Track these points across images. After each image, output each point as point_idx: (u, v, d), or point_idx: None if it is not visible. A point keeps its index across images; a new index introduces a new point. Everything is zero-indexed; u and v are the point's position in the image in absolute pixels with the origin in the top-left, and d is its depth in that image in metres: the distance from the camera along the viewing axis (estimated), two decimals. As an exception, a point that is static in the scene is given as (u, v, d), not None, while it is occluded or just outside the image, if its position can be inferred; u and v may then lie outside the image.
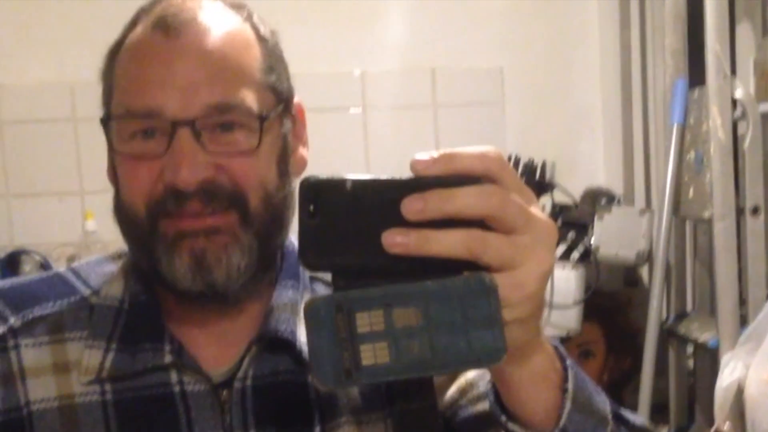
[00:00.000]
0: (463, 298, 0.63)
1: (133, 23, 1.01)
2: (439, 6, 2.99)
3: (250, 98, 0.96)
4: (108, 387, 0.98)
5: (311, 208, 0.65)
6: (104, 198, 2.83)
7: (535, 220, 0.67)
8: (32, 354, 1.00)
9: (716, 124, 2.25)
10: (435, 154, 0.65)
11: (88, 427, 0.97)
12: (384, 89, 3.00)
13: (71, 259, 2.76)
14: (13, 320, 1.02)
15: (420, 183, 0.65)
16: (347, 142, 2.94)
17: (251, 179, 0.96)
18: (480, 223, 0.65)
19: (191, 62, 0.95)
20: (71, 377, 0.99)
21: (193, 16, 0.97)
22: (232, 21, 1.00)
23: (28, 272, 2.67)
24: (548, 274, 0.67)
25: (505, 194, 0.65)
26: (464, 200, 0.64)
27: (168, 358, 0.98)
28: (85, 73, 2.73)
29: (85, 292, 1.05)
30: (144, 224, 0.96)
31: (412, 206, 0.64)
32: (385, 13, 2.99)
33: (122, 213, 0.99)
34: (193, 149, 0.93)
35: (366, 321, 0.63)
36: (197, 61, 0.95)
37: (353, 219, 0.65)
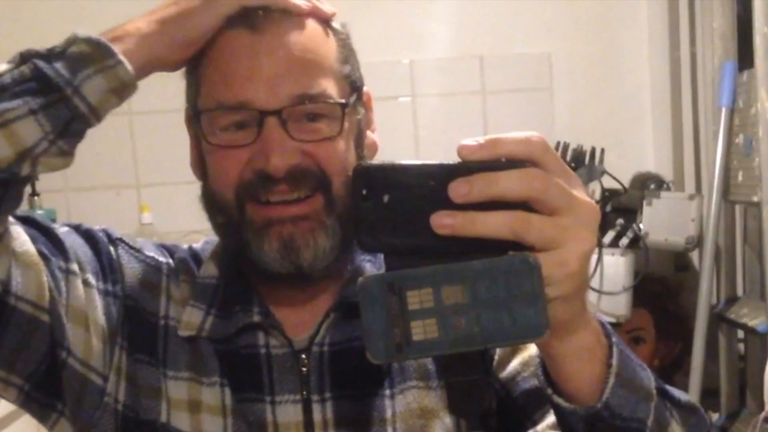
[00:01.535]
0: (508, 277, 0.66)
1: None
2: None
3: (330, 88, 1.03)
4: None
5: (364, 192, 0.68)
6: (159, 191, 2.88)
7: (577, 202, 0.69)
8: (174, 287, 1.13)
9: (765, 107, 2.24)
10: (480, 139, 0.68)
11: (204, 359, 1.08)
12: (433, 77, 3.02)
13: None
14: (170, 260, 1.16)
15: (466, 167, 0.67)
16: (397, 131, 2.96)
17: (335, 164, 1.02)
18: (524, 205, 0.67)
19: (276, 56, 1.01)
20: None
21: (273, 7, 1.03)
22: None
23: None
24: (590, 253, 0.70)
25: (548, 177, 0.67)
26: (507, 183, 0.66)
27: (256, 318, 1.07)
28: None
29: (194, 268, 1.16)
30: (233, 210, 1.03)
31: (458, 189, 0.67)
32: (433, 2, 3.01)
33: (211, 200, 1.07)
34: (281, 137, 1.00)
35: (416, 298, 0.66)
36: (281, 55, 1.01)
37: (404, 202, 0.68)
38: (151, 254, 1.15)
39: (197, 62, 1.05)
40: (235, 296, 1.10)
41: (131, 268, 1.12)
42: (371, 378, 1.06)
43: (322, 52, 1.05)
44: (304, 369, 1.06)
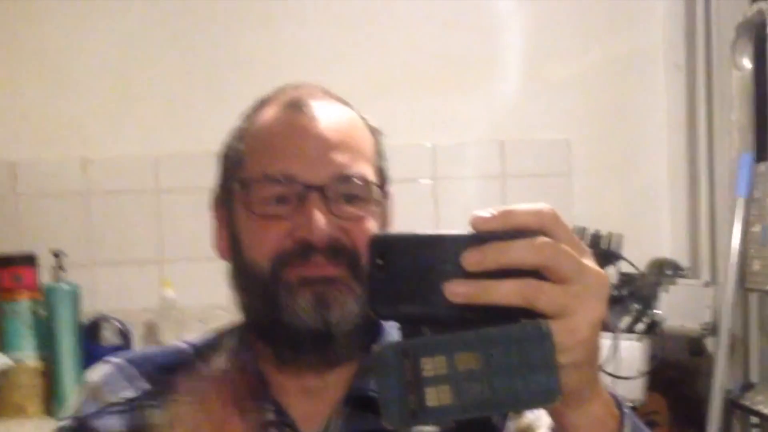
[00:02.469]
0: (521, 344, 0.68)
1: (257, 110, 1.14)
2: (507, 79, 3.06)
3: (369, 173, 1.10)
4: None
5: (379, 261, 0.71)
6: (182, 266, 2.92)
7: (587, 271, 0.72)
8: (158, 413, 1.12)
9: (781, 199, 2.26)
10: (493, 210, 0.72)
11: None
12: (454, 160, 3.06)
13: (149, 325, 2.85)
14: (148, 386, 1.15)
15: (479, 237, 0.71)
16: (417, 213, 2.98)
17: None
18: (535, 274, 0.70)
19: (323, 137, 1.08)
20: None
21: (320, 101, 1.11)
22: (349, 110, 1.15)
23: (108, 338, 2.76)
24: (600, 321, 0.72)
25: (558, 246, 0.70)
26: (519, 252, 0.69)
27: (270, 416, 1.09)
28: (168, 146, 2.83)
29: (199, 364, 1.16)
30: (267, 276, 1.07)
31: (471, 258, 0.70)
32: (455, 87, 3.06)
33: (243, 271, 1.10)
34: (323, 210, 1.05)
35: (430, 365, 0.68)
36: (328, 136, 1.08)
37: (418, 271, 0.71)
38: (123, 401, 1.15)
39: (240, 143, 1.13)
40: (248, 391, 1.11)
41: None
42: None
43: (363, 140, 1.13)
44: None
